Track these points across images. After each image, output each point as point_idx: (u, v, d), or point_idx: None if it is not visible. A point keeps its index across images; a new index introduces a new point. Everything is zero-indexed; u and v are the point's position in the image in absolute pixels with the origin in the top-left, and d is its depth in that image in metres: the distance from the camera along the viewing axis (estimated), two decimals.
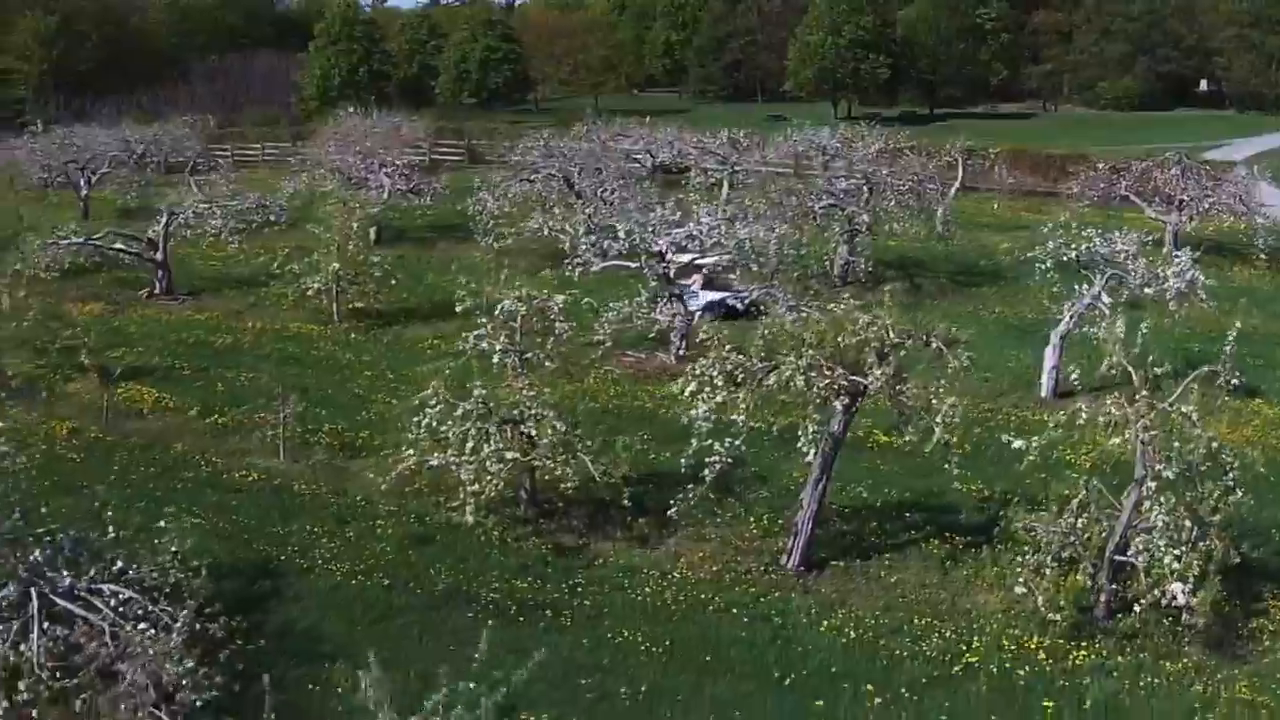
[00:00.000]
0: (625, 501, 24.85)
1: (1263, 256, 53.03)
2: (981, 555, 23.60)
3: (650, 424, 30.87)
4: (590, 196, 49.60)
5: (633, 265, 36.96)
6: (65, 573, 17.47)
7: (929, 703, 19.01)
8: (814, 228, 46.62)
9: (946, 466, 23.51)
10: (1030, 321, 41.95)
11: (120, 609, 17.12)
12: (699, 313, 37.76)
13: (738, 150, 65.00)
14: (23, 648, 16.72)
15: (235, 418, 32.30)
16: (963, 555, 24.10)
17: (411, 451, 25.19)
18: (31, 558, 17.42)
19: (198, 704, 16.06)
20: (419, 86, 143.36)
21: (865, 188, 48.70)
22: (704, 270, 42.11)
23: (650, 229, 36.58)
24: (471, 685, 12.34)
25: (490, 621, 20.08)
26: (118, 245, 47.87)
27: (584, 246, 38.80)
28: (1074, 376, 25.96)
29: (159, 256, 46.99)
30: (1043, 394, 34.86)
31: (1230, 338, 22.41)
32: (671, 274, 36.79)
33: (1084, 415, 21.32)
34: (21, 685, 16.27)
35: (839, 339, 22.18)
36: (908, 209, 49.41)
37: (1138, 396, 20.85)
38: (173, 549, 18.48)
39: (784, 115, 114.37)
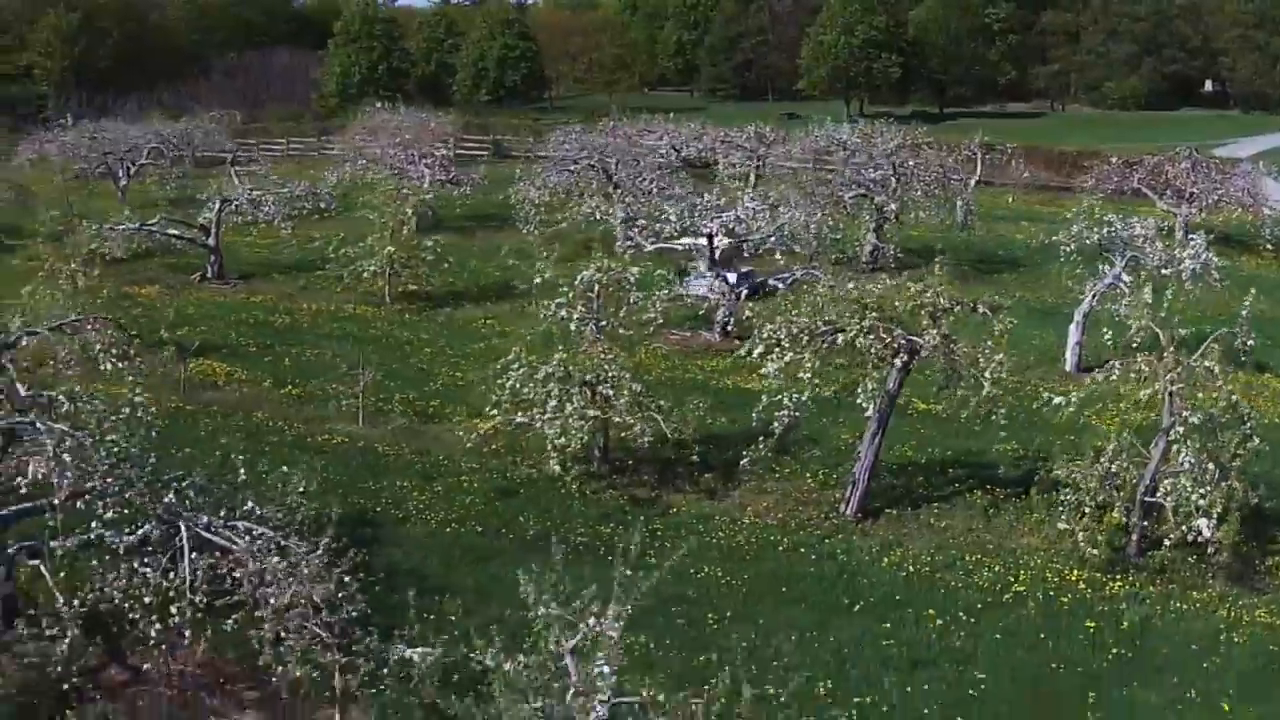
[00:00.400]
0: (694, 457, 27.14)
1: (1269, 247, 55.37)
2: (1022, 504, 25.89)
3: (704, 393, 33.00)
4: (628, 186, 51.70)
5: (681, 248, 39.07)
6: (202, 514, 19.39)
7: (984, 624, 21.35)
8: (844, 215, 48.73)
9: (992, 418, 25.89)
10: (1050, 305, 44.28)
11: (256, 543, 18.96)
12: (708, 291, 40.15)
13: (764, 144, 67.18)
14: (172, 575, 18.58)
15: (308, 389, 34.26)
16: (1004, 505, 26.44)
17: (496, 411, 27.43)
18: (167, 499, 19.47)
19: (353, 613, 17.93)
20: (437, 84, 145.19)
21: (893, 178, 50.82)
22: (720, 251, 44.27)
23: (698, 213, 38.79)
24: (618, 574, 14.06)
25: (586, 559, 22.23)
26: (172, 230, 49.89)
27: (628, 232, 41.12)
28: (1106, 339, 28.09)
29: (211, 241, 48.96)
30: (1067, 368, 37.18)
31: (1246, 303, 24.84)
32: (718, 256, 39.09)
33: (1118, 371, 23.68)
34: (173, 609, 18.12)
35: (896, 304, 24.53)
36: (933, 198, 51.66)
37: (1165, 354, 23.21)
38: (300, 488, 20.57)
39: (797, 113, 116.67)
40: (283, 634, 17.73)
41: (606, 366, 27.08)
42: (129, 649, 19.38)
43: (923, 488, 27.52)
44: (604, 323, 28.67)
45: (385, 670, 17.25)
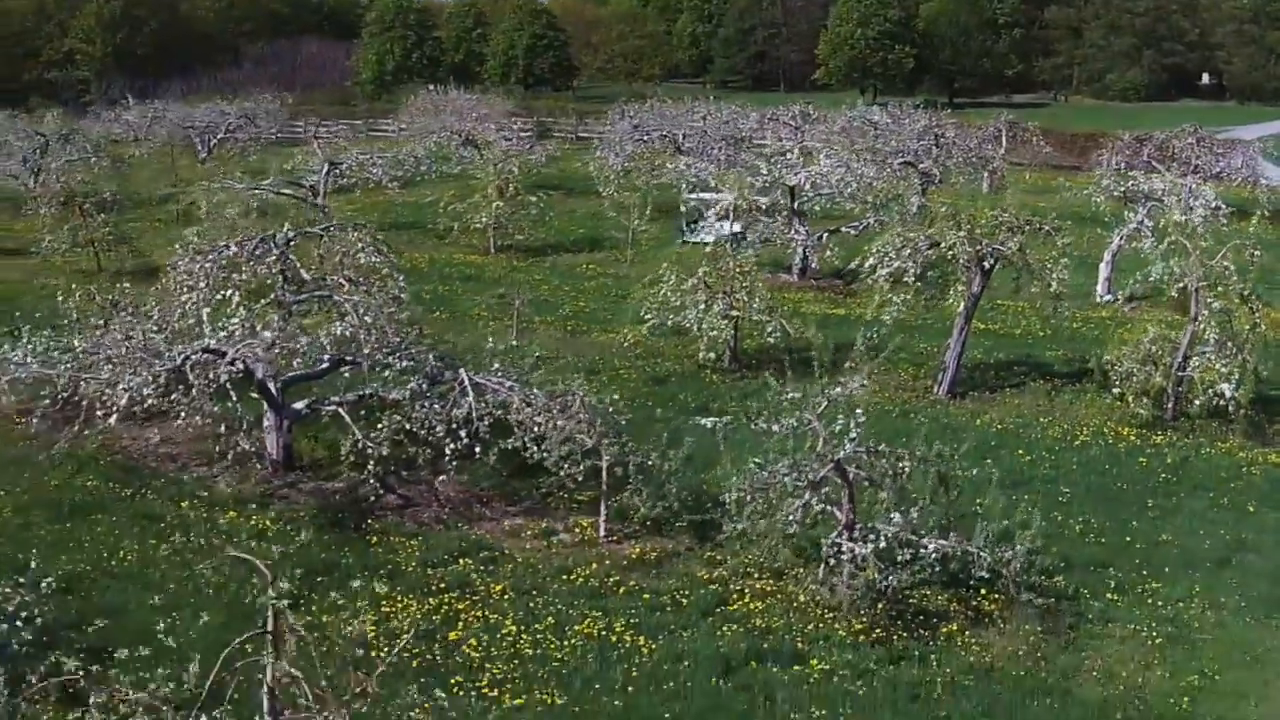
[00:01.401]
0: (811, 354, 33.63)
1: (1266, 214, 61.92)
2: (1076, 389, 32.62)
3: (800, 317, 39.41)
4: (698, 153, 58.42)
5: (764, 202, 45.24)
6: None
7: (1061, 460, 27.98)
8: (893, 178, 55.25)
9: (1054, 314, 32.62)
10: (1077, 257, 50.83)
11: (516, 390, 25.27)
12: (717, 238, 47.00)
13: (808, 121, 73.69)
14: (455, 412, 24.89)
15: (455, 314, 40.53)
16: (1061, 390, 33.09)
17: (650, 316, 33.98)
18: (430, 357, 26.03)
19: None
20: (466, 71, 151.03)
21: (934, 147, 57.43)
22: (721, 206, 51.53)
23: (781, 169, 45.36)
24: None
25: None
26: (286, 191, 56.01)
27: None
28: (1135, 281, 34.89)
29: (320, 201, 55.13)
30: (1098, 299, 43.71)
31: (1254, 222, 31.76)
32: (798, 206, 45.64)
33: (1157, 270, 30.47)
34: (451, 448, 24.04)
35: (984, 219, 31.21)
36: (971, 165, 58.32)
37: (1191, 256, 29.96)
38: (536, 353, 27.09)
39: (811, 103, 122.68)
40: (547, 457, 23.92)
41: (741, 278, 33.58)
42: (396, 483, 25.57)
43: (995, 378, 34.09)
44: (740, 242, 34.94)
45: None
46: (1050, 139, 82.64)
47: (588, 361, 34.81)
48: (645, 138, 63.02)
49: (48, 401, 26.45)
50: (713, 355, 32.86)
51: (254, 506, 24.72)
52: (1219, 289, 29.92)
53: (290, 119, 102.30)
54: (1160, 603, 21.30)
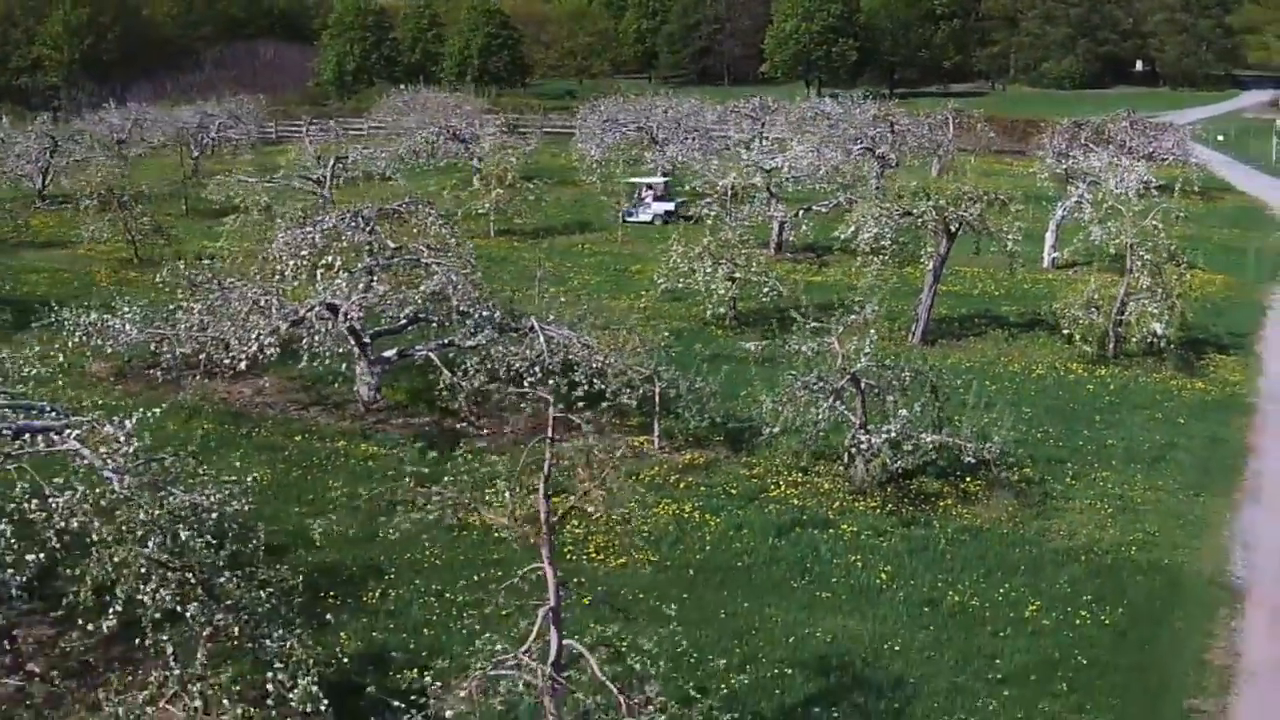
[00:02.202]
0: (800, 313, 39.09)
1: (1196, 190, 67.91)
2: (1028, 336, 38.26)
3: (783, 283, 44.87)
4: (674, 144, 63.90)
5: (759, 183, 50.41)
6: None
7: (1022, 387, 33.59)
8: (855, 161, 60.83)
9: (1010, 271, 38.31)
10: (1024, 230, 56.60)
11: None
12: (654, 218, 57.24)
13: (767, 112, 79.19)
14: (528, 352, 30.25)
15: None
16: (1017, 337, 38.73)
17: (663, 280, 39.31)
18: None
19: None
20: (424, 71, 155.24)
21: (890, 133, 63.03)
22: (654, 188, 60.54)
23: (757, 156, 50.80)
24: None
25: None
26: (295, 183, 60.81)
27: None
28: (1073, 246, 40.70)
29: (327, 193, 60.01)
30: (1044, 265, 49.36)
31: (1178, 183, 37.53)
32: (772, 188, 51.09)
33: (1096, 234, 36.17)
34: (528, 381, 29.41)
35: (948, 192, 36.80)
36: (924, 150, 63.97)
37: (1125, 218, 35.69)
38: (584, 306, 32.39)
39: (770, 96, 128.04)
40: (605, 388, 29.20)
41: (739, 247, 39.01)
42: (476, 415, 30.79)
43: (959, 330, 39.67)
44: (731, 220, 40.38)
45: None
46: (993, 125, 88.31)
47: (605, 321, 39.91)
48: (622, 130, 68.08)
49: (169, 357, 31.78)
50: (722, 311, 38.14)
51: (357, 438, 29.74)
52: (1150, 245, 35.54)
53: (264, 119, 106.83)
54: (1110, 486, 26.92)
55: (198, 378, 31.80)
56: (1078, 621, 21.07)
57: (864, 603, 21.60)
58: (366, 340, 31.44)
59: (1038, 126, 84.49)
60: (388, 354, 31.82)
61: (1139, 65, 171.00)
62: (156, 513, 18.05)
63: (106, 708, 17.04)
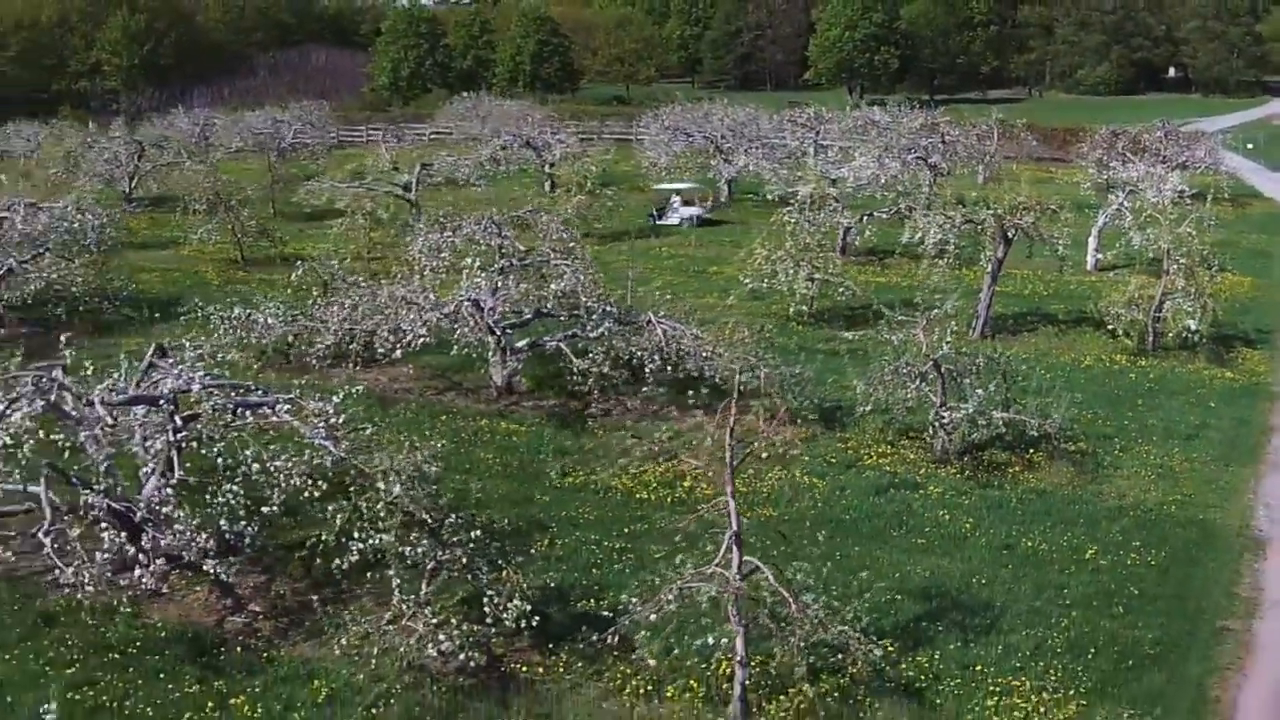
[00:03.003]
0: (878, 306, 43.72)
1: (1226, 197, 72.32)
2: (1076, 332, 42.87)
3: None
4: (737, 152, 68.67)
5: (834, 192, 55.06)
6: None
7: (1073, 376, 38.12)
8: (910, 170, 65.44)
9: (1059, 272, 43.10)
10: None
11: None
12: (681, 221, 63.07)
13: (822, 121, 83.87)
14: (646, 343, 35.03)
15: None
16: (1066, 333, 43.30)
17: (749, 280, 43.96)
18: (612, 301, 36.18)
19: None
20: (473, 76, 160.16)
21: (941, 143, 67.64)
22: (682, 194, 66.79)
23: (822, 166, 55.52)
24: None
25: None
26: (384, 189, 65.49)
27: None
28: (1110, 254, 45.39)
29: (412, 197, 64.78)
30: (1088, 268, 53.89)
31: (1210, 193, 42.25)
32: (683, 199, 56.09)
33: (1135, 240, 40.81)
34: (649, 368, 34.27)
35: (1006, 201, 41.49)
36: (972, 159, 68.61)
37: (1164, 224, 40.32)
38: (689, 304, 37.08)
39: (798, 102, 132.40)
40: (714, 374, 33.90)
41: (817, 250, 43.71)
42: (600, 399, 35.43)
43: (1014, 325, 44.23)
44: (811, 226, 45.06)
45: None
46: (1035, 134, 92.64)
47: (701, 318, 44.44)
48: (689, 139, 72.84)
49: (321, 346, 36.62)
50: (803, 309, 42.83)
51: (496, 418, 34.44)
52: (1184, 249, 40.15)
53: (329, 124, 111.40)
54: (1152, 457, 31.62)
55: (349, 365, 36.42)
56: (1128, 562, 25.73)
57: (953, 547, 26.31)
58: (500, 332, 36.10)
59: (1077, 135, 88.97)
60: (520, 344, 36.47)
61: (1171, 72, 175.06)
62: (399, 459, 22.80)
63: (353, 627, 21.89)
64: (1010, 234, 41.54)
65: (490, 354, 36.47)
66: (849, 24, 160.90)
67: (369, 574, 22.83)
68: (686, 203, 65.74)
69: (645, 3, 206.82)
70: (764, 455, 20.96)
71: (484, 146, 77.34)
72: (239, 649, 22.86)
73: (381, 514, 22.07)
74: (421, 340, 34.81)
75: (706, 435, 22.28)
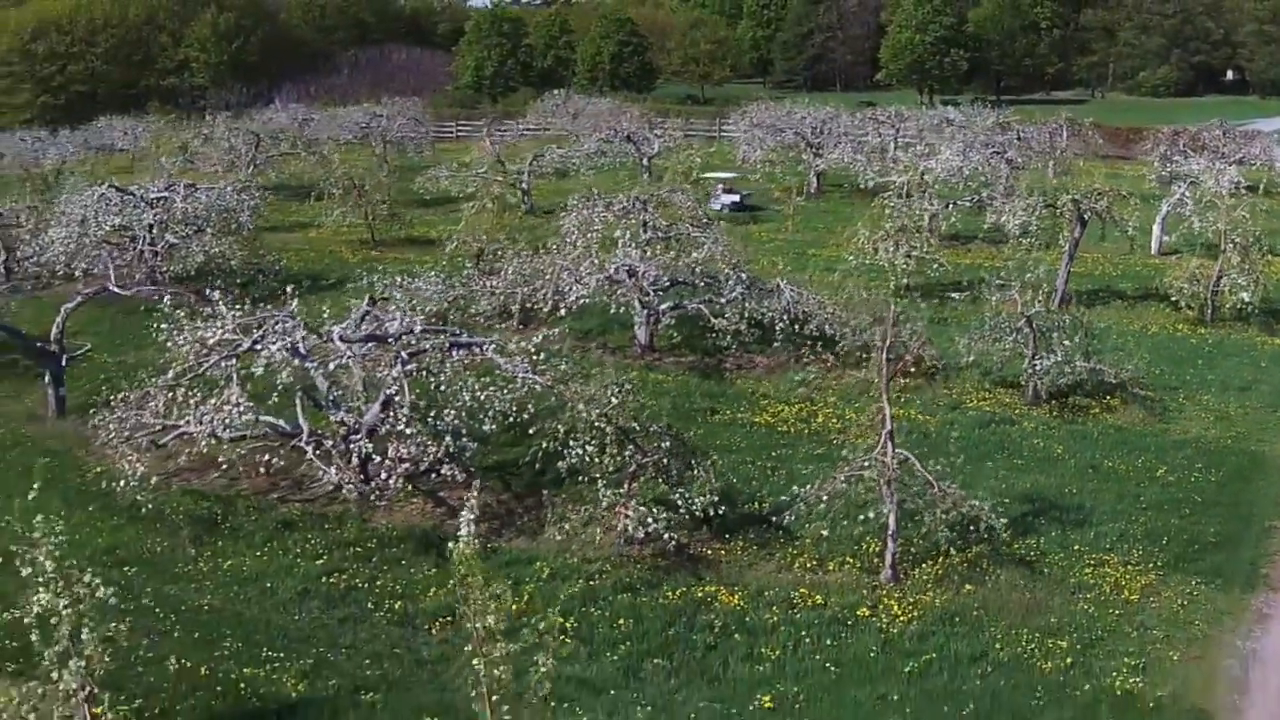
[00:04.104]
0: (969, 280, 49.38)
1: (1277, 190, 77.50)
2: (1142, 305, 48.49)
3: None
4: (827, 146, 74.49)
5: (899, 181, 60.79)
6: None
7: (1142, 341, 43.56)
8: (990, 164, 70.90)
9: (1130, 251, 48.91)
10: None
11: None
12: (721, 206, 68.58)
13: (901, 119, 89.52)
14: (777, 305, 40.93)
15: None
16: (1133, 306, 48.88)
17: (852, 256, 49.70)
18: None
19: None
20: (553, 76, 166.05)
21: (1016, 139, 73.20)
22: (724, 183, 73.39)
23: (912, 158, 61.18)
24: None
25: None
26: (499, 178, 71.02)
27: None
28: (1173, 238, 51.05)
29: (525, 185, 70.53)
30: (1152, 252, 59.38)
31: (1260, 189, 47.80)
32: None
33: (1196, 224, 46.46)
34: (779, 327, 40.27)
35: (1082, 187, 47.19)
36: (1044, 155, 74.19)
37: (1223, 209, 45.89)
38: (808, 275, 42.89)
39: (870, 102, 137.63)
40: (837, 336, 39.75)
41: (914, 232, 49.42)
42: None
43: (1087, 299, 49.74)
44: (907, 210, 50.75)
45: None
46: (1101, 132, 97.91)
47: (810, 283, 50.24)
48: (780, 135, 78.68)
49: (486, 308, 42.58)
50: (904, 283, 48.57)
51: (644, 370, 40.27)
52: (1239, 232, 45.75)
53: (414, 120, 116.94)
54: (1211, 404, 37.40)
55: (511, 327, 42.22)
56: (1192, 479, 31.56)
57: (1047, 467, 32.18)
58: (650, 295, 41.81)
59: (1140, 134, 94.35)
60: (663, 306, 42.27)
61: (1229, 74, 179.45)
62: (610, 383, 28.75)
63: (572, 515, 27.88)
64: (1085, 216, 47.10)
65: (636, 315, 42.15)
66: (919, 27, 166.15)
67: (566, 483, 28.75)
68: (727, 191, 71.78)
69: (718, 4, 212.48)
70: (910, 369, 26.66)
71: (585, 141, 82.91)
72: None
73: (582, 431, 27.81)
74: (582, 301, 40.45)
75: (832, 381, 28.45)
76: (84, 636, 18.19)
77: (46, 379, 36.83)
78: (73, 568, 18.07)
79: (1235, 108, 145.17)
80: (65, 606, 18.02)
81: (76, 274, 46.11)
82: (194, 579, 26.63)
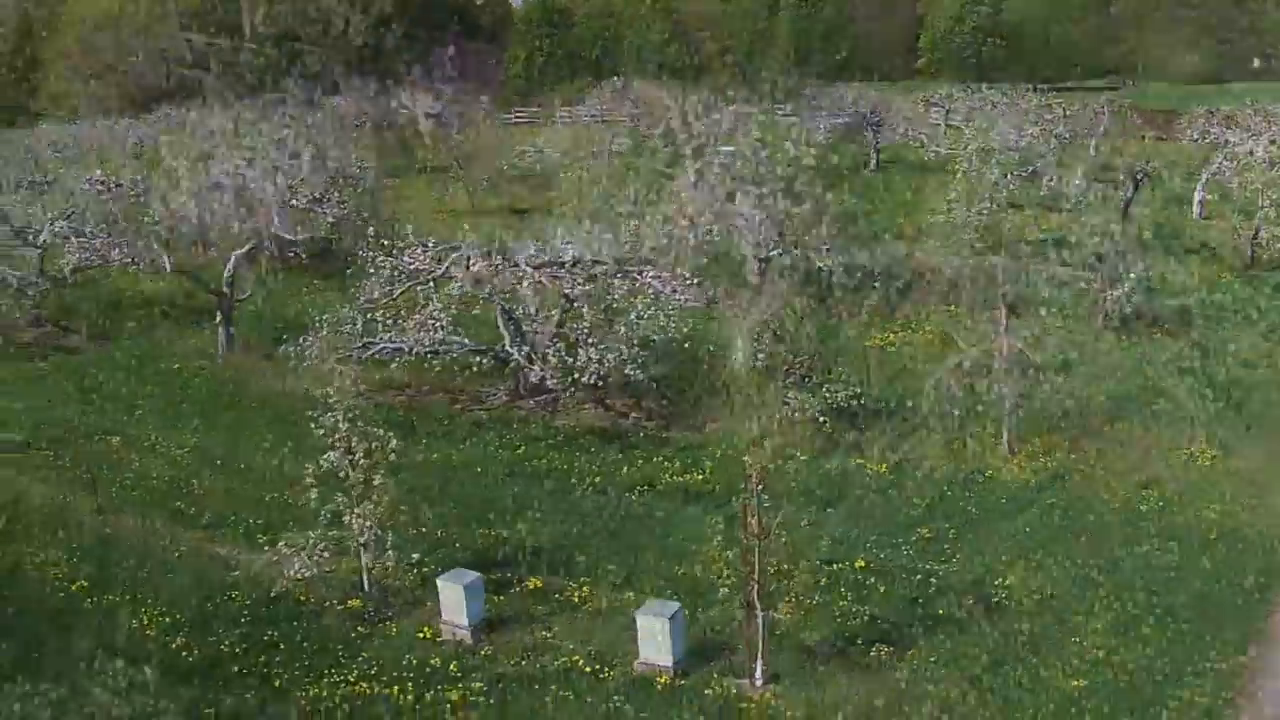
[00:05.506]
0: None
1: None
2: (1187, 257, 54.54)
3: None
4: (886, 126, 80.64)
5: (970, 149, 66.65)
6: None
7: (1188, 284, 49.74)
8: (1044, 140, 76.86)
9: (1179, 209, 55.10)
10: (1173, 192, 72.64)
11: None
12: None
13: (952, 100, 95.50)
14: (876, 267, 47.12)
15: None
16: (1180, 258, 54.83)
17: (932, 217, 55.77)
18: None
19: None
20: (601, 65, 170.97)
21: (1064, 116, 79.21)
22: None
23: (977, 133, 67.25)
24: None
25: None
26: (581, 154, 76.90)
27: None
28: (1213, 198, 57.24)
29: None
30: (1193, 215, 65.29)
31: None
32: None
33: (1234, 184, 52.61)
34: (875, 285, 46.42)
35: (1134, 155, 53.44)
36: (1087, 133, 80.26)
37: (1260, 170, 52.05)
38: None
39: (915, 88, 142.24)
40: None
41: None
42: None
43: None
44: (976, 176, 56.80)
45: None
46: (1138, 114, 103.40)
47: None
48: (837, 116, 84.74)
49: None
50: (977, 239, 54.61)
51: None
52: (1275, 190, 51.84)
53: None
54: (1259, 328, 43.80)
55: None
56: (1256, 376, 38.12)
57: (1126, 367, 38.64)
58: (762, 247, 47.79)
59: (1175, 116, 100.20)
60: (772, 254, 48.35)
61: (1256, 62, 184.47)
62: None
63: (733, 411, 34.20)
64: (1138, 177, 53.23)
65: (746, 266, 48.23)
66: (957, 18, 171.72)
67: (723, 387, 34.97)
68: None
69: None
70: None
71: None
72: (640, 435, 35.05)
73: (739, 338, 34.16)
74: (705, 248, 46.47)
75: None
76: (375, 482, 24.07)
77: (217, 318, 42.74)
78: (366, 425, 23.92)
79: (1264, 94, 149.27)
80: (360, 457, 23.91)
81: (234, 230, 49.54)
82: (405, 469, 29.24)
